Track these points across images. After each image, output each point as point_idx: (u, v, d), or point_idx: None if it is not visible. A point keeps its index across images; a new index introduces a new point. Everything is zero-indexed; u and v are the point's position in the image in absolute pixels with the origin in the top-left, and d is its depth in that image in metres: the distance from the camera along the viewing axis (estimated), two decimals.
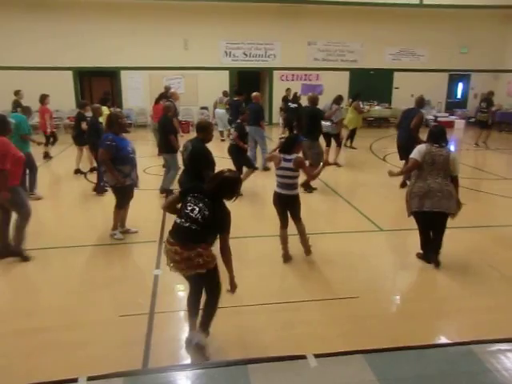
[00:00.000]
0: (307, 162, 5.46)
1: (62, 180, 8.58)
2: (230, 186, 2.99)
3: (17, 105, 8.59)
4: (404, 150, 7.03)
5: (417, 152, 4.43)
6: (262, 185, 7.46)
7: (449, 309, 3.78)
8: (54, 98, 9.79)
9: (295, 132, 8.94)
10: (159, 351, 3.15)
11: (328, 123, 8.83)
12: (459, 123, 15.60)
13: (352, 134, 11.09)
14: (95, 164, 8.28)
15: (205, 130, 4.70)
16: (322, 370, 2.91)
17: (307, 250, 4.69)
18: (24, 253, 4.59)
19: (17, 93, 9.83)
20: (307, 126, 7.55)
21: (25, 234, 4.59)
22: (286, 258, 4.63)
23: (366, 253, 4.87)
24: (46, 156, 9.61)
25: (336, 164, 9.20)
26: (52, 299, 3.88)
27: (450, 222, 5.65)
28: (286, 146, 4.53)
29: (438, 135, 4.45)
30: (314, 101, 7.72)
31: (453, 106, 16.93)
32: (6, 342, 3.24)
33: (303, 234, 4.64)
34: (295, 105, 11.16)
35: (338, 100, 9.46)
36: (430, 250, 4.52)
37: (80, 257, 4.77)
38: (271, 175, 7.55)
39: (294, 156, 4.44)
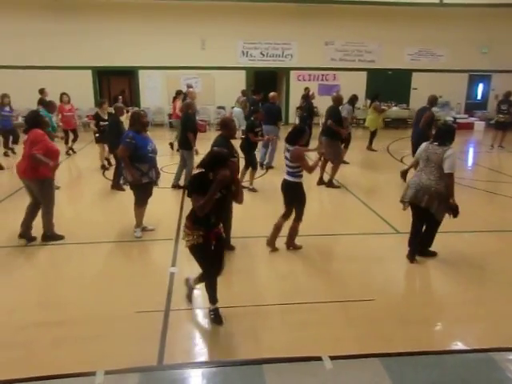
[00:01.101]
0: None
1: (80, 177, 8.73)
2: (211, 157, 3.24)
3: (41, 102, 8.81)
4: (416, 148, 7.26)
5: (419, 149, 4.68)
6: (271, 184, 7.44)
7: (466, 314, 3.70)
8: (73, 96, 10.00)
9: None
10: (174, 348, 3.17)
11: None
12: (479, 125, 15.30)
13: (372, 136, 10.98)
14: (106, 162, 8.49)
15: (226, 126, 4.76)
16: (338, 373, 2.89)
17: (287, 243, 4.82)
18: (57, 236, 5.05)
19: (41, 91, 10.11)
20: (327, 125, 7.52)
21: (52, 220, 5.00)
22: (271, 245, 4.79)
23: (382, 255, 4.81)
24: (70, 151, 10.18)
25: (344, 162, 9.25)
26: (70, 294, 3.95)
27: (468, 225, 5.60)
28: (291, 136, 4.61)
29: (441, 134, 4.52)
30: (335, 101, 7.66)
31: (473, 107, 16.60)
32: (25, 334, 3.31)
33: (291, 233, 4.76)
34: (305, 103, 11.15)
35: (353, 100, 9.39)
36: (421, 244, 4.65)
37: (98, 253, 4.84)
38: (280, 174, 7.55)
39: (293, 148, 4.55)
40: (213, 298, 3.49)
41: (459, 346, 3.31)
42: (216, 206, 3.19)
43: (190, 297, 3.78)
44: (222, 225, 3.48)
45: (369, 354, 3.05)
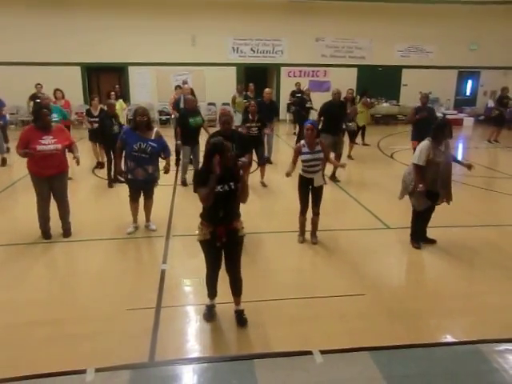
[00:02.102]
0: None
1: (73, 174, 8.62)
2: (206, 149, 3.20)
3: (32, 97, 8.67)
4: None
5: None
6: (269, 181, 7.46)
7: (456, 307, 3.76)
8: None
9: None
10: (165, 345, 3.17)
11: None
12: (468, 121, 15.47)
13: (363, 131, 11.03)
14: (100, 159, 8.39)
15: (218, 121, 4.83)
16: (328, 367, 2.91)
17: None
18: (44, 234, 5.06)
19: (35, 86, 10.00)
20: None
21: (39, 219, 5.01)
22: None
23: (372, 250, 4.85)
24: None
25: (349, 157, 9.56)
26: (60, 292, 3.93)
27: (458, 220, 5.67)
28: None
29: (433, 129, 4.69)
30: (333, 96, 7.65)
31: (462, 103, 16.77)
32: (17, 333, 3.29)
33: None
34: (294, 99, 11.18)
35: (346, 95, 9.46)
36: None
37: (88, 251, 4.81)
38: (275, 171, 7.58)
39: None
40: (209, 294, 3.48)
41: (448, 338, 3.36)
42: (223, 201, 3.11)
43: None
44: (238, 221, 3.27)
45: (359, 348, 3.08)
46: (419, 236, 4.90)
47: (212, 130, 5.98)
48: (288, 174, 4.68)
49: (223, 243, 3.20)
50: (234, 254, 3.32)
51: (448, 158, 4.63)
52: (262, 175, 7.32)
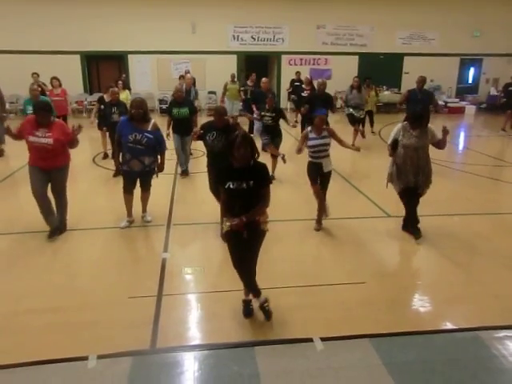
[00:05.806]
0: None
1: (75, 164, 8.61)
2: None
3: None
4: None
5: None
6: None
7: (455, 295, 3.77)
8: (61, 81, 9.77)
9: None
10: (167, 332, 3.19)
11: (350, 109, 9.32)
12: (470, 109, 15.36)
13: (370, 118, 10.87)
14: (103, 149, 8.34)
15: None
16: (329, 354, 2.93)
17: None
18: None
19: (32, 75, 9.94)
20: None
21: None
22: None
23: (373, 239, 4.86)
24: None
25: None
26: (63, 280, 3.94)
27: (458, 208, 5.67)
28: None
29: None
30: (318, 87, 7.87)
31: (464, 91, 16.63)
32: (19, 320, 3.31)
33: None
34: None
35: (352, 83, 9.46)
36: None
37: (90, 240, 4.82)
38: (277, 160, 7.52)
39: None
40: (245, 289, 3.36)
41: (448, 325, 3.38)
42: (240, 198, 3.00)
43: None
44: (261, 215, 3.13)
45: (359, 335, 3.10)
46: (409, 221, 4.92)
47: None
48: (298, 151, 4.81)
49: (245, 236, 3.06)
50: (253, 247, 3.17)
51: (420, 144, 4.52)
52: (273, 168, 7.06)
